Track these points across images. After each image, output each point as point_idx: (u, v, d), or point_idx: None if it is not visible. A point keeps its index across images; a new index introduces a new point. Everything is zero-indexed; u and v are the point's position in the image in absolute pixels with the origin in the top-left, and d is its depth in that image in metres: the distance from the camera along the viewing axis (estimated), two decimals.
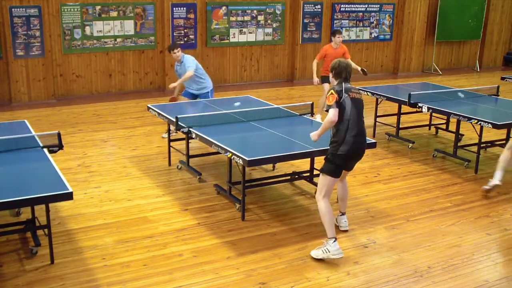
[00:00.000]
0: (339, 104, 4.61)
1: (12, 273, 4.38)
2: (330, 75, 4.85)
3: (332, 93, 4.64)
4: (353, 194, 6.14)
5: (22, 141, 5.31)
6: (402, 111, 8.38)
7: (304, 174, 6.36)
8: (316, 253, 4.69)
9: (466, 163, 7.14)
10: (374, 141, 5.72)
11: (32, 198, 4.10)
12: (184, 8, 11.63)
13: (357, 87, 4.86)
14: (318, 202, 4.74)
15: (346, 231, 5.20)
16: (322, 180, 4.73)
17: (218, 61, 12.51)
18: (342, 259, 4.68)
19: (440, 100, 7.68)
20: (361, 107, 4.78)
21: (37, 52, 10.30)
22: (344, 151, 4.63)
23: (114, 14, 11.10)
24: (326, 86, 9.24)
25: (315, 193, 4.95)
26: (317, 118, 8.98)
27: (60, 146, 5.30)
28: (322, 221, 4.74)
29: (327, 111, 4.65)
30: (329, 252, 4.61)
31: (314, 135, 4.90)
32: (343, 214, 5.29)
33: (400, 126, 8.38)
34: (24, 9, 10.04)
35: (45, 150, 5.17)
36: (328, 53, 9.07)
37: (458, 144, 7.49)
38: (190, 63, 7.93)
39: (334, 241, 4.62)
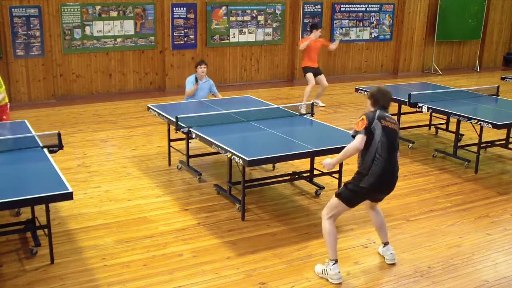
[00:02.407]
0: (368, 131, 4.22)
1: (12, 273, 4.38)
2: (368, 102, 4.44)
3: (362, 119, 4.26)
4: None
5: (22, 141, 5.32)
6: (402, 111, 8.39)
7: (304, 174, 6.36)
8: (318, 270, 4.45)
9: (466, 163, 7.14)
10: None
11: (32, 198, 4.10)
12: (184, 8, 11.63)
13: (392, 118, 4.41)
14: (323, 220, 4.39)
15: (393, 264, 4.64)
16: (334, 202, 4.35)
17: (218, 61, 12.50)
18: (342, 259, 4.67)
19: (440, 100, 7.68)
20: (394, 138, 4.31)
21: (37, 52, 10.30)
22: (368, 184, 4.22)
23: (114, 14, 11.10)
24: (309, 75, 10.09)
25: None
26: (302, 109, 8.80)
27: (60, 146, 5.30)
28: (324, 240, 4.43)
29: (353, 136, 4.27)
30: (328, 275, 4.35)
31: (329, 164, 4.40)
32: (385, 244, 4.69)
33: (400, 126, 8.38)
34: (24, 9, 10.04)
35: (45, 150, 5.17)
36: (309, 45, 10.02)
37: (458, 144, 7.49)
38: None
39: (334, 263, 4.32)
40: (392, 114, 8.77)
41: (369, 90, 4.52)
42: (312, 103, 6.94)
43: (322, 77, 10.26)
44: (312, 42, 10.03)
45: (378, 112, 4.33)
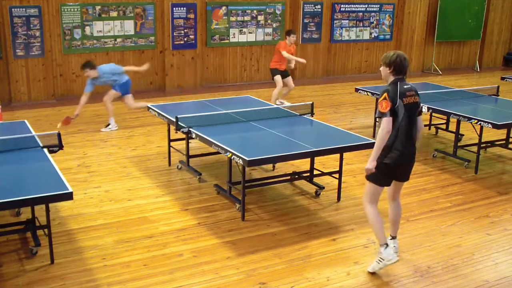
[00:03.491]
0: (393, 112, 4.14)
1: (12, 273, 4.38)
2: (387, 69, 4.26)
3: (385, 99, 4.13)
4: (353, 194, 6.14)
5: (22, 141, 5.31)
6: None
7: (304, 174, 6.36)
8: (373, 267, 4.42)
9: (466, 163, 7.14)
10: (374, 141, 5.69)
11: (32, 198, 4.10)
12: (184, 8, 11.64)
13: (412, 87, 4.32)
14: (365, 207, 4.43)
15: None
16: (368, 187, 4.37)
17: (218, 61, 12.51)
18: (342, 259, 4.68)
19: (440, 100, 7.68)
20: (415, 112, 4.30)
21: (37, 52, 10.30)
22: (392, 160, 4.20)
23: (114, 14, 11.10)
24: (278, 78, 10.07)
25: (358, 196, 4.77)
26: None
27: (60, 146, 5.30)
28: (372, 228, 4.46)
29: (379, 117, 4.19)
30: (383, 260, 4.33)
31: (370, 166, 4.22)
32: (393, 238, 4.66)
33: None
34: (24, 9, 10.05)
35: (45, 150, 5.17)
36: (285, 50, 9.97)
37: (458, 144, 7.49)
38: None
39: (386, 247, 4.31)
40: None
41: (386, 56, 4.28)
42: (312, 103, 6.92)
43: (289, 79, 10.30)
44: (287, 47, 10.04)
45: (399, 86, 4.19)
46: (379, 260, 4.37)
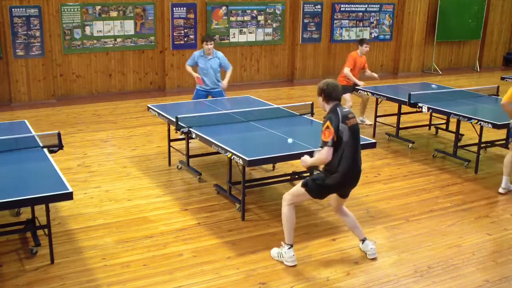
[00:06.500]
0: (337, 137, 4.21)
1: (12, 273, 4.38)
2: (320, 99, 4.40)
3: (328, 128, 4.20)
4: (353, 194, 6.11)
5: (22, 141, 5.32)
6: (402, 111, 8.38)
7: (304, 174, 6.35)
8: (274, 253, 4.68)
9: (466, 163, 7.14)
10: (374, 141, 5.72)
11: (32, 198, 4.10)
12: (184, 8, 11.64)
13: (350, 110, 4.41)
14: (284, 205, 4.50)
15: (375, 259, 4.67)
16: (300, 191, 4.43)
17: None
18: (342, 259, 4.68)
19: (440, 100, 7.68)
20: (358, 134, 4.38)
21: (37, 52, 10.30)
22: (334, 181, 4.30)
23: (114, 14, 11.09)
24: (346, 96, 8.74)
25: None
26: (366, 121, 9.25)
27: (60, 146, 5.30)
28: (282, 225, 4.58)
29: (321, 147, 4.27)
30: (283, 257, 4.57)
31: (306, 160, 4.49)
32: (363, 240, 4.73)
33: (400, 126, 8.38)
34: (24, 9, 10.04)
35: (45, 150, 5.18)
36: (356, 61, 9.03)
37: (458, 144, 7.49)
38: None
39: (290, 248, 4.54)
40: (392, 114, 8.84)
41: (318, 86, 4.41)
42: (312, 103, 6.92)
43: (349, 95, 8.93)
44: (358, 58, 9.05)
45: (338, 111, 4.27)
46: (280, 254, 4.60)
